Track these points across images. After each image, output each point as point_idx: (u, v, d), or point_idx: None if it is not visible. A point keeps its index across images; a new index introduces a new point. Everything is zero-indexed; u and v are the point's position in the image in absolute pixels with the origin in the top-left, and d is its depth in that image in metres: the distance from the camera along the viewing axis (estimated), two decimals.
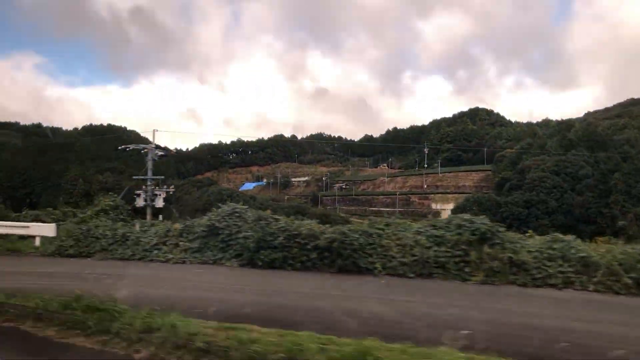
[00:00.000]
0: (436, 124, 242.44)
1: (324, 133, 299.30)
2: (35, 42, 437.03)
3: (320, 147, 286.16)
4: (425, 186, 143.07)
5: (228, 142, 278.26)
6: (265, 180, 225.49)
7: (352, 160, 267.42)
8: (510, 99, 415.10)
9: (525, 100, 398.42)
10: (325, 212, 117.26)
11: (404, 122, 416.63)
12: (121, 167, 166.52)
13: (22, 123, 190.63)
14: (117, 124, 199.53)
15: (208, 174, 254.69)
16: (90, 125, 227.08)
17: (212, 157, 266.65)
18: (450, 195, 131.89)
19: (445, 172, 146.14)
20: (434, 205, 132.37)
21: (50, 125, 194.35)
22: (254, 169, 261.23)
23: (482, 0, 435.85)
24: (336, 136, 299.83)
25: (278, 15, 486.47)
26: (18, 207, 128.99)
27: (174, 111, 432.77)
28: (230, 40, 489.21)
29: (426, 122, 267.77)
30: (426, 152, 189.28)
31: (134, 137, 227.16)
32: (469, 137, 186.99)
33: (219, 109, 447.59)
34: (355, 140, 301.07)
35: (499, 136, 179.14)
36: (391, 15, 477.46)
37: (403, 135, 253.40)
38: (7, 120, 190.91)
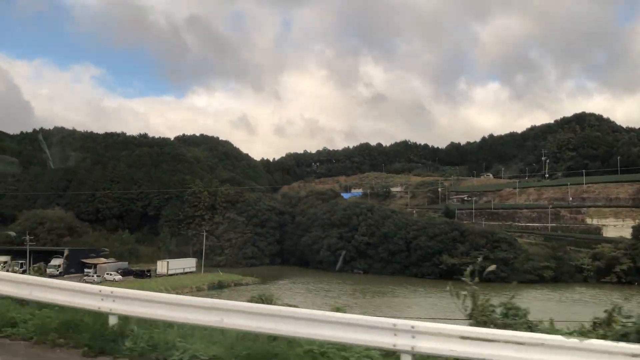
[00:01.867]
0: (539, 131, 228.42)
1: (409, 141, 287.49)
2: (93, 54, 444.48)
3: (407, 156, 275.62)
4: (571, 198, 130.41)
5: (313, 152, 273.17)
6: (361, 190, 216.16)
7: (443, 169, 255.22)
8: (571, 104, 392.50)
9: (588, 105, 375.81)
10: (488, 230, 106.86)
11: (459, 129, 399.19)
12: (239, 179, 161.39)
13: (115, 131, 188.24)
14: (174, 133, 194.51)
15: (295, 184, 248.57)
16: (183, 135, 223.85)
17: (298, 166, 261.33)
18: (606, 209, 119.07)
19: (591, 183, 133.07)
20: (589, 220, 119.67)
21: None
22: (342, 178, 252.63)
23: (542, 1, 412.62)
24: (421, 144, 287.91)
25: (329, 22, 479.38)
26: (141, 223, 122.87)
27: (227, 119, 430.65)
28: (282, 49, 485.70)
29: (520, 130, 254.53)
30: (545, 160, 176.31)
31: (228, 147, 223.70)
32: (594, 144, 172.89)
33: (272, 117, 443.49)
34: (442, 148, 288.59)
35: (632, 142, 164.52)
36: (445, 18, 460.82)
37: (501, 143, 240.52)
38: (106, 130, 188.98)
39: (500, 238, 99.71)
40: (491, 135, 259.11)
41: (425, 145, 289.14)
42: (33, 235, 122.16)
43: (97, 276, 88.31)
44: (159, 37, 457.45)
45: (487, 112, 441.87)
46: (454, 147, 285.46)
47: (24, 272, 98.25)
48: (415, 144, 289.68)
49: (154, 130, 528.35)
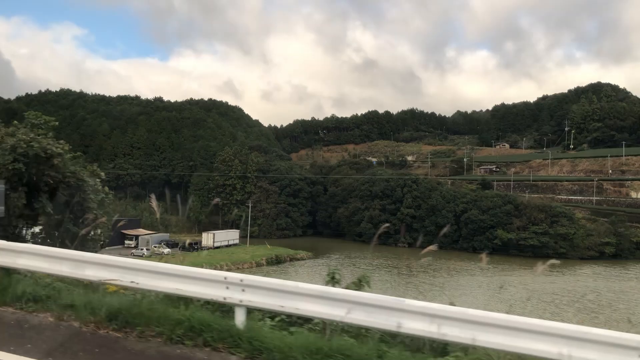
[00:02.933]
0: (555, 101, 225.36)
1: (416, 109, 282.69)
2: (74, 13, 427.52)
3: (414, 124, 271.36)
4: (610, 171, 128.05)
5: (321, 119, 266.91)
6: (375, 160, 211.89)
7: (452, 138, 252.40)
8: (558, 73, 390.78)
9: (576, 75, 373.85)
10: (546, 204, 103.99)
11: (447, 97, 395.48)
12: (265, 146, 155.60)
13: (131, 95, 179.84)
14: (158, 95, 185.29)
15: (303, 152, 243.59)
16: (191, 99, 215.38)
17: (306, 134, 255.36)
18: None
19: (630, 155, 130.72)
20: (633, 194, 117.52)
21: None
22: (350, 147, 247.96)
23: None
24: (428, 112, 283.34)
25: None
26: (164, 191, 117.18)
27: (212, 84, 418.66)
28: (270, 11, 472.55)
29: (533, 99, 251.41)
30: (569, 130, 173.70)
31: (238, 113, 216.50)
32: (621, 115, 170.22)
33: (259, 82, 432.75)
34: (448, 116, 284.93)
35: None
36: None
37: (515, 113, 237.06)
38: (118, 93, 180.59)
39: (559, 212, 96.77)
40: (503, 104, 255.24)
41: (432, 114, 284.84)
42: None
43: (146, 249, 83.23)
44: None
45: (475, 81, 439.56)
46: (461, 116, 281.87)
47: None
48: (422, 112, 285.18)
49: (138, 93, 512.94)
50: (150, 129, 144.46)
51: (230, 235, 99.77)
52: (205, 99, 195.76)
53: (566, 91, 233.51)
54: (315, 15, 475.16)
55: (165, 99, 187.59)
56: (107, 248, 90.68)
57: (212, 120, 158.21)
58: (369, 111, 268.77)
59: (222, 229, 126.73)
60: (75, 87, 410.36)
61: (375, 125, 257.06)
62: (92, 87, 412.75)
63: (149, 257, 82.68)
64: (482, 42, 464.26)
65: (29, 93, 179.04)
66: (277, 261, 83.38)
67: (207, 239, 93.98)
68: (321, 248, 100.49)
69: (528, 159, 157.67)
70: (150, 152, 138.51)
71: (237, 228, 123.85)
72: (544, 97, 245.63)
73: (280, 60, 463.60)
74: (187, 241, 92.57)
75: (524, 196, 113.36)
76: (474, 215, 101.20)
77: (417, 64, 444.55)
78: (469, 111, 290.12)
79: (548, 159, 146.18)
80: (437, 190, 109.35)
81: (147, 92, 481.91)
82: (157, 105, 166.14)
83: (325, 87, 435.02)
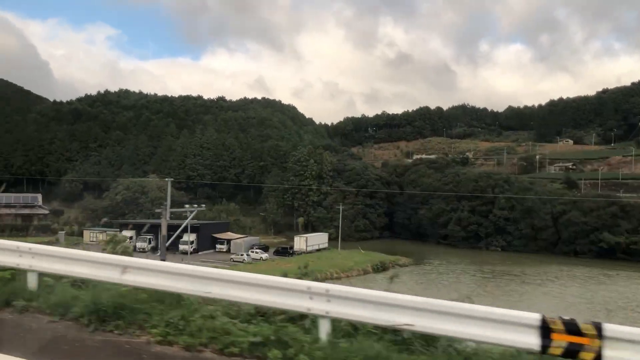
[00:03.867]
0: (621, 94, 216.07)
1: (467, 104, 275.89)
2: (108, 14, 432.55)
3: (466, 120, 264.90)
4: None
5: (371, 116, 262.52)
6: (433, 157, 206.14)
7: (506, 134, 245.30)
8: (596, 66, 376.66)
9: (614, 67, 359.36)
10: None
11: (481, 92, 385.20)
12: (336, 146, 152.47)
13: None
14: (192, 93, 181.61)
15: (354, 150, 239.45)
16: (245, 97, 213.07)
17: (356, 131, 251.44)
18: None
19: None
20: None
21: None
22: (402, 144, 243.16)
23: None
24: (480, 107, 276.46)
25: None
26: (234, 192, 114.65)
27: (243, 82, 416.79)
28: (300, 7, 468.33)
29: (592, 93, 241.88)
30: None
31: (293, 111, 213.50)
32: None
33: (290, 80, 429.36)
34: (501, 111, 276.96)
35: None
36: None
37: (576, 108, 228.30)
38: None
39: None
40: (561, 99, 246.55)
41: (484, 109, 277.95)
42: (135, 205, 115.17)
43: (246, 255, 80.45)
44: None
45: (509, 74, 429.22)
46: (514, 111, 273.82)
47: (153, 249, 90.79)
48: (474, 107, 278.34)
49: (171, 92, 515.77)
50: (218, 129, 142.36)
51: (321, 239, 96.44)
52: (235, 98, 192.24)
53: (629, 84, 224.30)
54: (346, 11, 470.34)
55: (201, 97, 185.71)
56: (200, 253, 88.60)
57: (278, 119, 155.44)
58: (419, 107, 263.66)
59: (298, 231, 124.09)
60: (111, 87, 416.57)
61: (427, 122, 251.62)
62: (128, 87, 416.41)
63: (249, 263, 80.00)
64: (516, 35, 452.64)
65: (89, 94, 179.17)
66: (382, 268, 79.66)
67: (299, 242, 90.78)
68: (417, 253, 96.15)
69: (606, 156, 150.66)
70: (219, 153, 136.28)
71: (314, 230, 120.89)
72: (604, 91, 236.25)
73: (310, 57, 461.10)
74: (289, 245, 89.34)
75: (619, 196, 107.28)
76: (575, 217, 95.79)
77: (449, 58, 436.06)
78: (521, 106, 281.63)
79: (631, 156, 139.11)
80: (531, 190, 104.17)
81: (180, 91, 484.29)
82: (222, 104, 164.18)
83: (357, 83, 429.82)
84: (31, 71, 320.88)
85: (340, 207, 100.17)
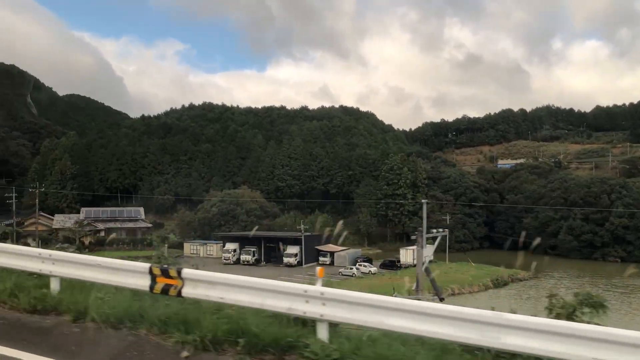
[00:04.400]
0: None
1: (552, 105, 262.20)
2: (176, 29, 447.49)
3: (551, 122, 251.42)
4: None
5: (450, 120, 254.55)
6: (519, 160, 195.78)
7: (597, 136, 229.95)
8: None
9: None
10: None
11: (555, 92, 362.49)
12: (426, 152, 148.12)
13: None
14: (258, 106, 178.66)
15: (433, 156, 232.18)
16: (322, 106, 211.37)
17: (436, 136, 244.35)
18: None
19: None
20: None
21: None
22: (485, 148, 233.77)
23: None
24: (566, 108, 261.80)
25: None
26: (322, 202, 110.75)
27: (307, 91, 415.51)
28: (364, 14, 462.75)
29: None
30: None
31: (372, 118, 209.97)
32: None
33: (354, 87, 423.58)
34: (587, 112, 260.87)
35: None
36: None
37: None
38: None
39: None
40: None
41: (570, 110, 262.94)
42: (231, 217, 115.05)
43: (355, 268, 77.17)
44: (241, 5, 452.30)
45: (585, 73, 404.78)
46: (602, 111, 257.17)
47: (257, 261, 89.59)
48: (559, 108, 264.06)
49: (239, 104, 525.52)
50: (305, 139, 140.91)
51: (427, 251, 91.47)
52: (298, 106, 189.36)
53: None
54: (411, 15, 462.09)
55: (284, 107, 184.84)
56: (303, 266, 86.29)
57: (363, 127, 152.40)
58: (502, 110, 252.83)
59: (393, 242, 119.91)
60: (180, 101, 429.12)
61: (511, 125, 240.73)
62: (196, 100, 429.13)
63: (360, 277, 76.72)
64: (591, 31, 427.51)
65: (174, 108, 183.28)
66: (502, 282, 74.21)
67: (405, 255, 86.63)
68: (529, 265, 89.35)
69: None
70: (307, 163, 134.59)
71: (409, 242, 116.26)
72: None
73: (375, 62, 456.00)
74: (396, 258, 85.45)
75: None
76: None
77: (520, 58, 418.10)
78: (610, 105, 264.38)
79: None
80: None
81: (247, 103, 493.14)
82: (305, 114, 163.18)
83: (423, 88, 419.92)
84: (108, 87, 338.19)
85: (447, 217, 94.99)
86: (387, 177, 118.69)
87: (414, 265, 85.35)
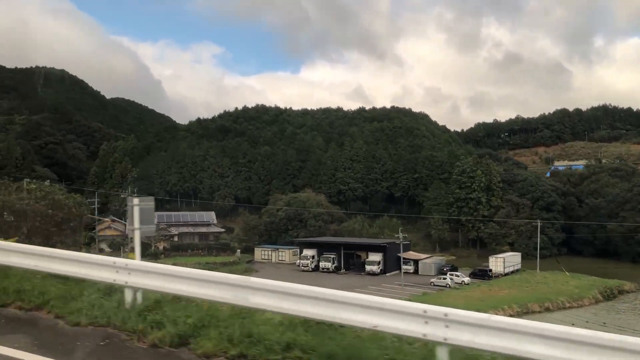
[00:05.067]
0: None
1: (609, 104, 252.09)
2: (212, 32, 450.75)
3: (608, 122, 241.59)
4: None
5: (503, 121, 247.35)
6: (571, 163, 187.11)
7: None
8: None
9: None
10: None
11: (592, 90, 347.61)
12: (496, 154, 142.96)
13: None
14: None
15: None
16: (373, 107, 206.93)
17: (488, 137, 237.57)
18: None
19: None
20: None
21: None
22: (540, 149, 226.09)
23: None
24: (624, 107, 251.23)
25: None
26: (387, 205, 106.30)
27: (341, 92, 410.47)
28: (399, 14, 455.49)
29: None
30: None
31: (425, 119, 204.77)
32: None
33: (389, 87, 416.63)
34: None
35: None
36: None
37: None
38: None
39: None
40: None
41: (629, 109, 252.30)
42: (298, 221, 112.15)
43: (449, 278, 72.94)
44: (277, 7, 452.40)
45: (629, 71, 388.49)
46: None
47: (337, 268, 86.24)
48: (616, 107, 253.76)
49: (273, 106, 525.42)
50: (366, 141, 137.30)
51: (515, 259, 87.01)
52: (334, 107, 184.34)
53: None
54: (447, 14, 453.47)
55: (341, 108, 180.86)
56: (387, 274, 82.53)
57: (425, 128, 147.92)
58: (556, 110, 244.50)
59: (466, 248, 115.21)
60: (215, 103, 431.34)
61: (566, 125, 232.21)
62: (231, 103, 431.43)
63: (456, 289, 72.47)
64: (635, 28, 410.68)
65: (227, 110, 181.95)
66: (611, 295, 69.06)
67: (495, 263, 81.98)
68: (622, 274, 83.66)
69: None
70: (370, 165, 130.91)
71: (482, 247, 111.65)
72: None
73: (410, 63, 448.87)
74: (485, 266, 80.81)
75: None
76: None
77: (560, 57, 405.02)
78: None
79: None
80: None
81: (280, 104, 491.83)
82: (364, 115, 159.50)
83: (460, 88, 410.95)
84: (148, 90, 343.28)
85: (538, 223, 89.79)
86: (459, 180, 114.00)
87: (505, 274, 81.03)
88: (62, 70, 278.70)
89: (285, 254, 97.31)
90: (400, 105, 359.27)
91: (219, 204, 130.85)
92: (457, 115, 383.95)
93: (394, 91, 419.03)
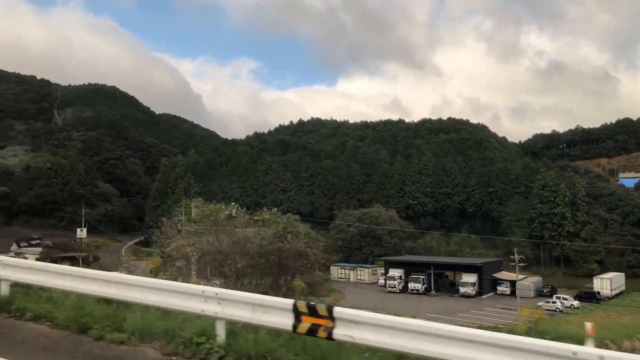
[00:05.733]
0: None
1: None
2: (249, 48, 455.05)
3: None
4: None
5: (561, 131, 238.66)
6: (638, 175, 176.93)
7: None
8: None
9: None
10: None
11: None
12: (575, 166, 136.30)
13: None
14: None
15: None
16: (429, 118, 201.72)
17: (547, 149, 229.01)
18: None
19: None
20: None
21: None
22: (602, 160, 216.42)
23: None
24: None
25: None
26: (459, 221, 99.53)
27: (378, 104, 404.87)
28: (436, 25, 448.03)
29: None
30: None
31: (485, 131, 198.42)
32: None
33: (427, 98, 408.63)
34: None
35: None
36: None
37: None
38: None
39: None
40: None
41: None
42: (372, 238, 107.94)
43: (559, 302, 67.21)
44: (313, 21, 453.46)
45: None
46: None
47: (426, 290, 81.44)
48: None
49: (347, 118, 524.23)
50: (434, 153, 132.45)
51: (620, 280, 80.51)
52: (370, 119, 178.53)
53: None
54: (486, 24, 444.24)
55: (403, 120, 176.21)
56: (483, 297, 77.29)
57: (495, 139, 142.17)
58: (619, 119, 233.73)
59: (549, 266, 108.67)
60: (254, 118, 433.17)
61: (631, 135, 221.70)
62: (269, 116, 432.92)
63: (569, 314, 66.85)
64: None
65: (282, 124, 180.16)
66: None
67: (600, 285, 75.74)
68: None
69: None
70: (440, 179, 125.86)
71: (568, 265, 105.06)
72: None
73: (449, 73, 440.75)
74: (590, 288, 74.64)
75: None
76: None
77: (606, 64, 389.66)
78: None
79: None
80: None
81: (318, 117, 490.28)
82: (429, 127, 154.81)
83: (500, 97, 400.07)
84: (190, 105, 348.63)
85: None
86: (541, 195, 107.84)
87: (611, 298, 74.69)
88: (114, 87, 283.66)
89: (365, 273, 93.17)
90: (439, 116, 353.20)
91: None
92: (498, 125, 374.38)
93: (432, 102, 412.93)
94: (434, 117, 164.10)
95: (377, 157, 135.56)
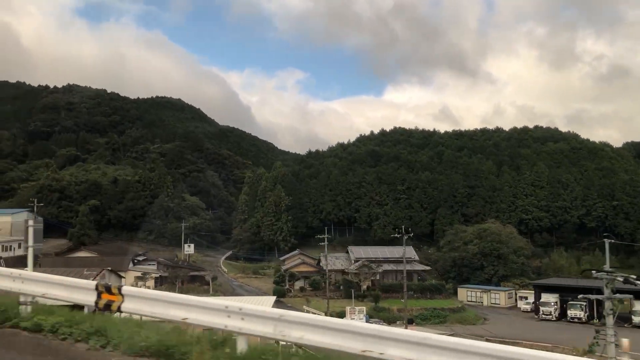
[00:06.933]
0: None
1: None
2: (296, 58, 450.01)
3: None
4: None
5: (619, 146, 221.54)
6: None
7: None
8: None
9: None
10: None
11: None
12: None
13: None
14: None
15: None
16: (485, 128, 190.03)
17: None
18: None
19: None
20: None
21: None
22: None
23: None
24: None
25: None
26: (578, 238, 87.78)
27: (427, 113, 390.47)
28: (486, 32, 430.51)
29: None
30: None
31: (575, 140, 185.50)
32: None
33: (478, 107, 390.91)
34: None
35: None
36: None
37: None
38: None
39: None
40: None
41: None
42: (495, 257, 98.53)
43: None
44: (360, 29, 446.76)
45: None
46: None
47: (589, 317, 71.57)
48: None
49: (356, 130, 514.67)
50: (547, 164, 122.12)
51: None
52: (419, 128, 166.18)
53: None
54: (538, 30, 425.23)
55: (501, 128, 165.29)
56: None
57: (610, 149, 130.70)
58: None
59: None
60: (302, 129, 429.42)
61: None
62: (317, 128, 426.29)
63: None
64: None
65: (363, 134, 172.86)
66: None
67: None
68: None
69: None
70: (555, 191, 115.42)
71: None
72: None
73: (500, 81, 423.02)
74: None
75: None
76: None
77: None
78: None
79: None
80: None
81: (365, 129, 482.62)
82: (532, 135, 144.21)
83: (555, 105, 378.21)
84: (241, 117, 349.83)
85: None
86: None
87: None
88: (180, 99, 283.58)
89: (501, 297, 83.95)
90: (491, 125, 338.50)
91: (379, 232, 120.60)
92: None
93: (483, 111, 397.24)
94: (491, 127, 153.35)
95: (481, 167, 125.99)
